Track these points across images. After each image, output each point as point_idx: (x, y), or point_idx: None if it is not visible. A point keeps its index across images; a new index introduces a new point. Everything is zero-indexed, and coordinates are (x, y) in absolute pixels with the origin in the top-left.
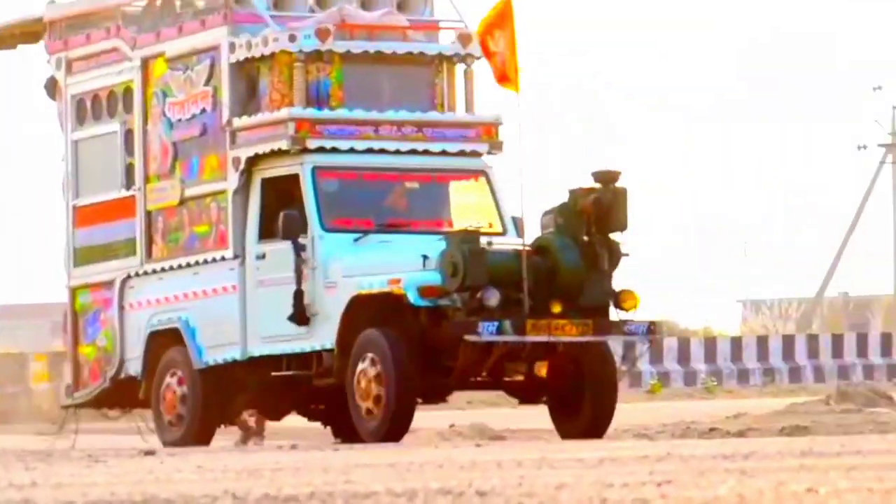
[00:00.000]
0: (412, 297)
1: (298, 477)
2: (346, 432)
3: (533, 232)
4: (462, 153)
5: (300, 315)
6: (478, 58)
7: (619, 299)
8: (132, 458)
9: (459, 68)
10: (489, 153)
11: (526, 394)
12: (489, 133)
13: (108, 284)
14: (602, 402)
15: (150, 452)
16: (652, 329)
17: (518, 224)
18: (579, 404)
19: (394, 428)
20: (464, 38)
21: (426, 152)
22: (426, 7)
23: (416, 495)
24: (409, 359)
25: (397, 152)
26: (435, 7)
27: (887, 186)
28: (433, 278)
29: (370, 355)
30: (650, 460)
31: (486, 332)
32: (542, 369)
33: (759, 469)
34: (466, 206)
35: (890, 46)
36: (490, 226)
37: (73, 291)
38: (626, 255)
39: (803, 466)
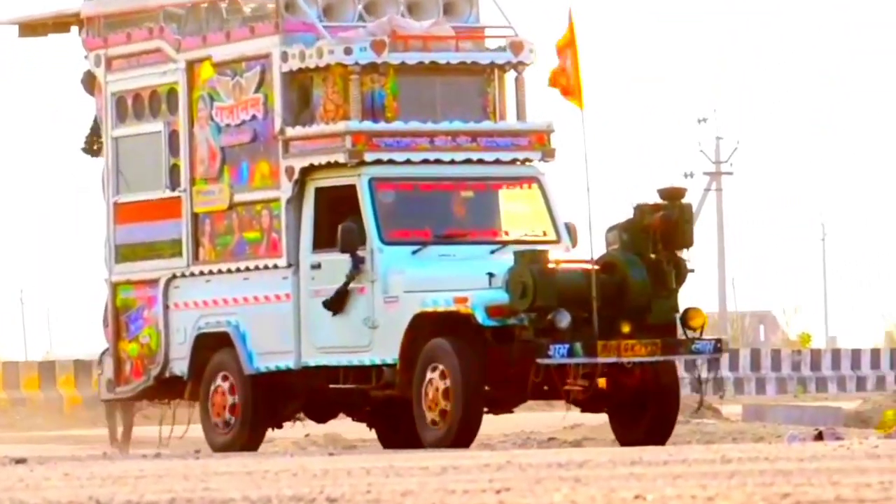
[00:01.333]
0: (480, 317)
1: (160, 484)
2: (392, 439)
3: (587, 240)
4: (515, 161)
5: (336, 302)
6: (528, 65)
7: (686, 318)
8: (3, 466)
9: (510, 76)
10: (542, 160)
11: (587, 403)
12: (541, 140)
13: (152, 283)
14: (664, 413)
15: (20, 461)
16: (719, 347)
17: (571, 231)
18: (641, 414)
19: (460, 437)
20: (515, 46)
21: (480, 161)
22: (471, 12)
23: (270, 501)
24: (477, 368)
25: (451, 162)
26: (480, 12)
27: (711, 212)
28: (500, 297)
29: (439, 366)
30: (491, 469)
31: (557, 354)
32: (602, 381)
33: (592, 477)
34: (520, 214)
35: (715, 81)
36: (544, 234)
37: (115, 287)
38: (692, 271)
39: (633, 474)
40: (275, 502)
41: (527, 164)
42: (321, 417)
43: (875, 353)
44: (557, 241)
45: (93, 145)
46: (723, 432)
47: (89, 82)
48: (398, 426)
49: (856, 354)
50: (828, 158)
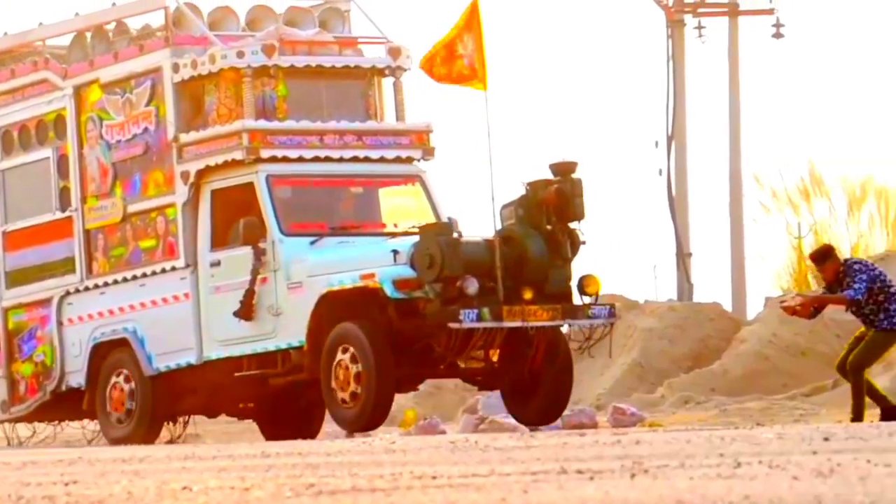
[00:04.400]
0: (388, 290)
1: None
2: (273, 431)
3: (489, 214)
4: (398, 159)
5: (246, 310)
6: (406, 70)
7: (582, 285)
8: None
9: (388, 80)
10: (422, 159)
11: (484, 381)
12: (421, 140)
13: (45, 302)
14: (558, 387)
15: None
16: (613, 312)
17: (453, 224)
18: (535, 389)
19: (374, 416)
20: (393, 52)
21: (367, 159)
22: (344, 26)
23: None
24: (387, 349)
25: (340, 160)
26: (352, 25)
27: None
28: (406, 272)
29: (349, 347)
30: (63, 464)
31: (467, 319)
32: (494, 355)
33: (150, 471)
34: (406, 209)
35: None
36: None
37: (6, 312)
38: (584, 242)
39: (185, 468)
40: None
41: (409, 161)
42: (212, 412)
43: None
44: None
45: None
46: None
47: None
48: (279, 419)
49: None
50: None
